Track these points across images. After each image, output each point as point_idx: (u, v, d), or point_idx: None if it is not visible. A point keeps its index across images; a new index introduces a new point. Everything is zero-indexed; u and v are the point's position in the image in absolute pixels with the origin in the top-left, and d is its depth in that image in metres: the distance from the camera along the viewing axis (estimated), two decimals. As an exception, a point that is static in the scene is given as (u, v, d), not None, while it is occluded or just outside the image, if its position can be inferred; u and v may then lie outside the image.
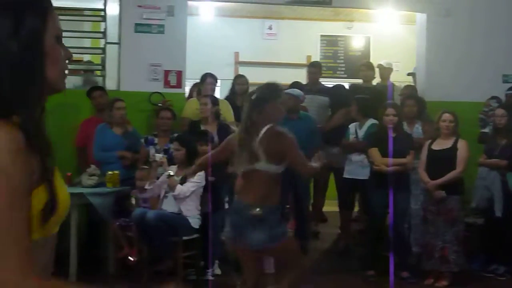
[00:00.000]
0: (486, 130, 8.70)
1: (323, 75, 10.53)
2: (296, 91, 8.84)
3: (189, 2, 9.65)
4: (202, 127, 8.00)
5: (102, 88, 8.84)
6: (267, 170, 4.97)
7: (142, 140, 8.20)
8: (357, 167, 8.49)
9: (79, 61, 10.58)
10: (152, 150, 8.01)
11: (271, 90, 5.18)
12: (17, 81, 1.82)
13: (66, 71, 1.95)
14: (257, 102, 5.07)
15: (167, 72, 9.25)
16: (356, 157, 8.51)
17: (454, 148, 7.62)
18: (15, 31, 1.83)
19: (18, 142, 1.75)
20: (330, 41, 13.12)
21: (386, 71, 10.05)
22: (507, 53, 9.78)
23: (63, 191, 1.91)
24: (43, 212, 1.82)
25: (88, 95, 8.67)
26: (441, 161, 7.57)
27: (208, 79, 9.19)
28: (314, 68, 10.07)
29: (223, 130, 8.22)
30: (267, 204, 4.98)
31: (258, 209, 4.92)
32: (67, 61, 1.97)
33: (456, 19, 9.63)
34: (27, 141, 1.77)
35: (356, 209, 9.35)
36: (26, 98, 1.82)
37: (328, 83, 10.61)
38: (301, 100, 8.76)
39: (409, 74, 11.07)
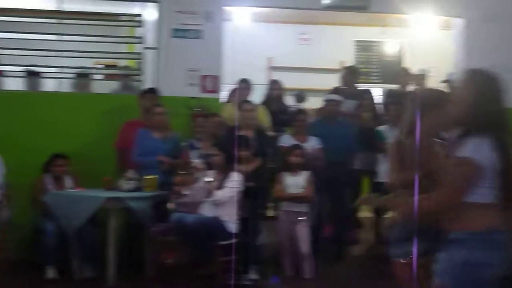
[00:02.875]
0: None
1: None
2: (336, 97, 8.87)
3: (226, 8, 9.68)
4: (239, 132, 8.01)
5: (155, 91, 8.77)
6: None
7: (185, 144, 8.21)
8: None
9: (115, 66, 10.68)
10: (194, 154, 8.03)
11: (436, 97, 4.89)
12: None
13: None
14: (420, 108, 4.72)
15: (204, 77, 9.28)
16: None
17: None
18: None
19: None
20: (364, 47, 13.07)
21: (419, 77, 10.03)
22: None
23: None
24: None
25: (139, 98, 8.68)
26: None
27: (242, 85, 9.22)
28: (349, 72, 10.02)
29: (260, 135, 8.26)
30: None
31: None
32: None
33: (495, 24, 9.55)
34: None
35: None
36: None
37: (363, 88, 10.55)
38: (340, 106, 8.78)
39: (443, 82, 10.99)
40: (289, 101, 10.69)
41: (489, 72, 3.77)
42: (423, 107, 4.73)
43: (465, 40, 9.81)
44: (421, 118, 4.65)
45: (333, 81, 10.38)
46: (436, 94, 4.95)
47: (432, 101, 4.78)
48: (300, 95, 11.31)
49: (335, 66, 12.38)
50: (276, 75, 11.46)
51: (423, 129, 4.61)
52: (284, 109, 9.71)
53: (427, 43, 12.02)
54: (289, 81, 10.81)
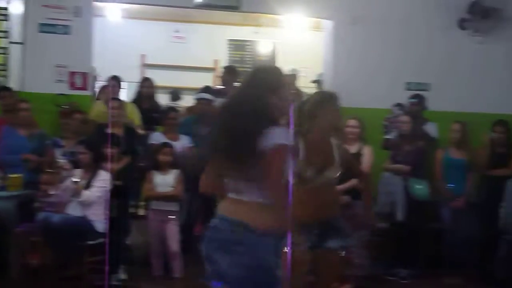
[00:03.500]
0: (390, 136, 8.87)
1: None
2: (207, 95, 8.86)
3: (96, 3, 9.52)
4: (108, 130, 7.89)
5: (9, 89, 8.57)
6: None
7: (49, 142, 8.03)
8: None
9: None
10: (58, 152, 7.85)
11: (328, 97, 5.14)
12: None
13: None
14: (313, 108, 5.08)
15: (72, 74, 9.10)
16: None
17: (358, 154, 7.71)
18: None
19: None
20: (237, 46, 13.16)
21: (290, 77, 10.14)
22: (409, 61, 10.01)
23: None
24: None
25: None
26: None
27: (112, 82, 9.10)
28: (227, 72, 10.01)
29: (129, 133, 8.17)
30: None
31: None
32: None
33: (362, 27, 9.80)
34: None
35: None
36: None
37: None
38: (212, 104, 8.77)
39: (313, 82, 11.21)
40: (163, 99, 10.62)
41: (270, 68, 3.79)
42: (317, 107, 5.01)
43: (334, 41, 10.01)
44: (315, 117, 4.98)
45: (207, 79, 10.40)
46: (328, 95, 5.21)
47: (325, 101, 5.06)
48: (175, 93, 11.28)
49: (209, 64, 12.43)
50: (149, 73, 11.36)
51: (321, 126, 4.99)
52: (155, 107, 9.63)
53: (298, 43, 12.21)
54: (163, 79, 10.76)
